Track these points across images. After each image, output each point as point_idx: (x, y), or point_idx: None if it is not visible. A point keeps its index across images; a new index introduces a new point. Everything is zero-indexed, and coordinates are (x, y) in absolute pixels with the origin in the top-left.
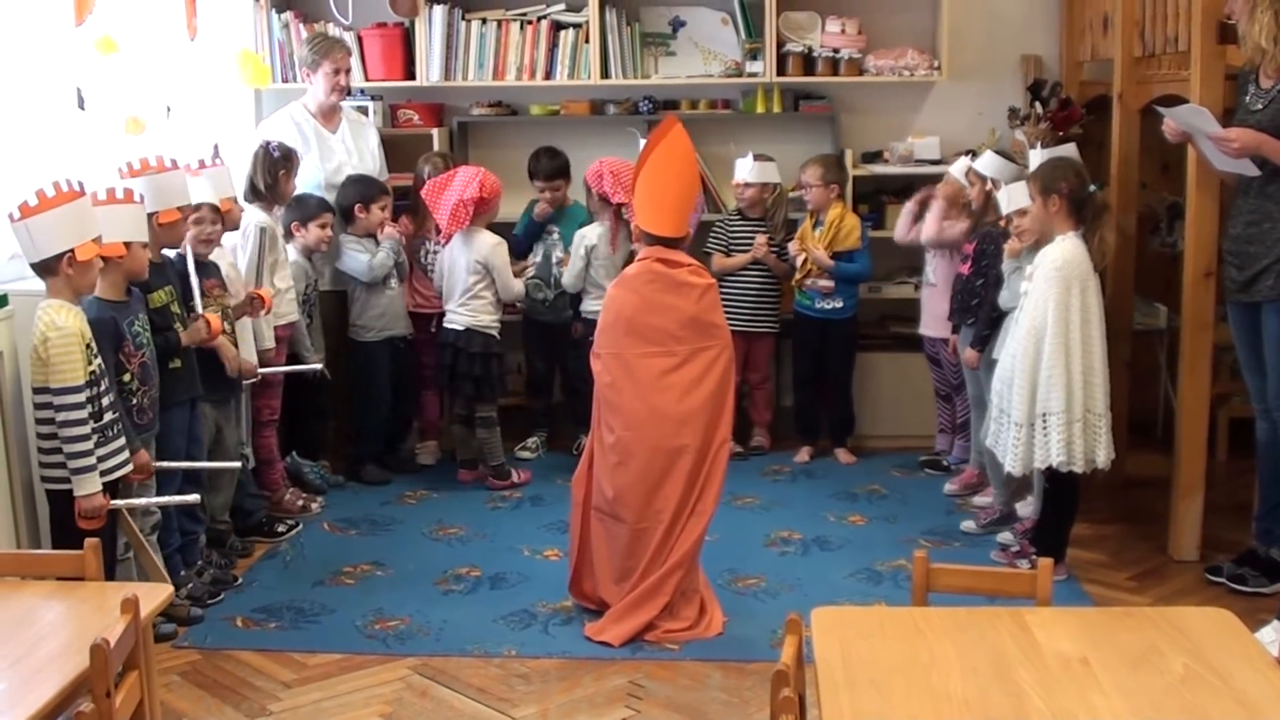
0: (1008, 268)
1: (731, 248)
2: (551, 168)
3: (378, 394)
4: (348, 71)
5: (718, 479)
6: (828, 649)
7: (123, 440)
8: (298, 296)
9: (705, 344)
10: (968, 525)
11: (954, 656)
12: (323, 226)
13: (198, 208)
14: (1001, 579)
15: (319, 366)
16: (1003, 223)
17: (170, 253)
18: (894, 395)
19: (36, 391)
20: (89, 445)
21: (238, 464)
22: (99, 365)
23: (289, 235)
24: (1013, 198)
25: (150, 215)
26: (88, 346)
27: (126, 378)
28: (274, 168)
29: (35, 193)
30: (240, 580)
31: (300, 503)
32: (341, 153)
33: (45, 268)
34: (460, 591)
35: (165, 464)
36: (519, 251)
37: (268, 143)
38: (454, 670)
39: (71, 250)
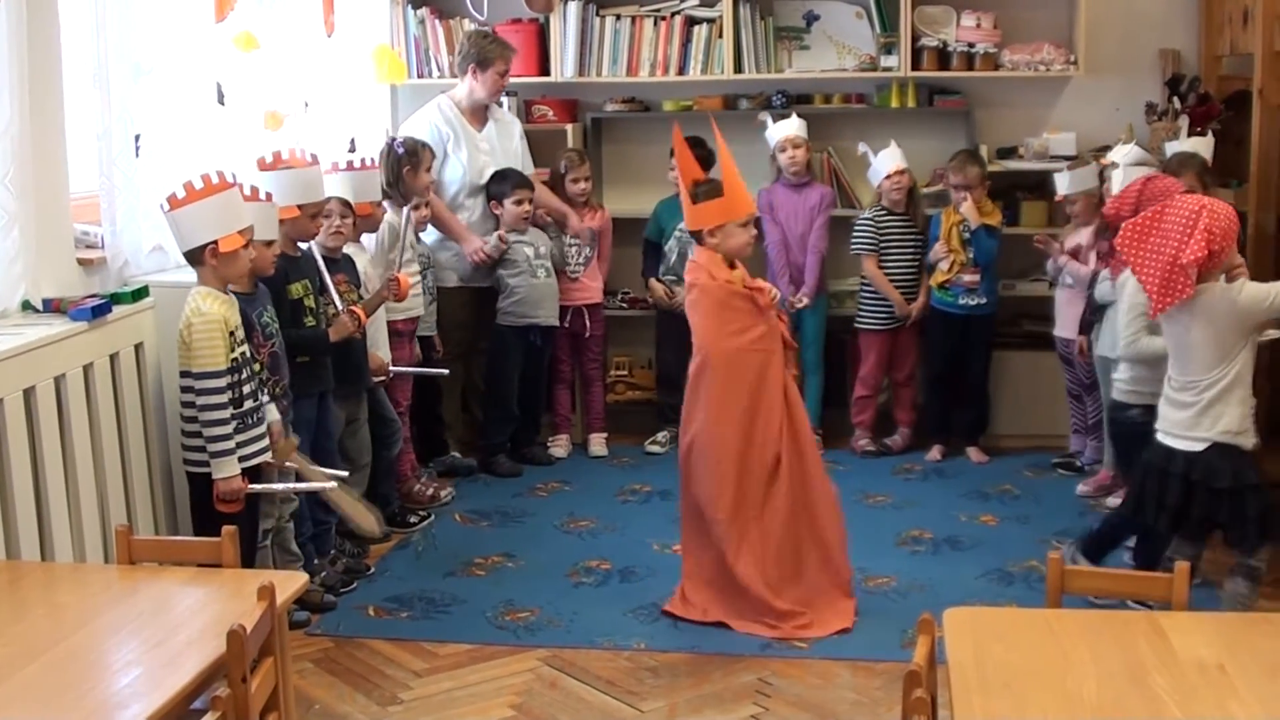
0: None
1: (883, 245)
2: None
3: (504, 385)
4: (510, 74)
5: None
6: (960, 650)
7: (262, 428)
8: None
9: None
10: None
11: (1088, 660)
12: (415, 208)
13: (325, 202)
14: (1136, 582)
15: (445, 371)
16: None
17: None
18: (1027, 394)
19: (181, 375)
20: (228, 429)
21: (344, 473)
22: (242, 353)
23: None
24: (1129, 176)
25: None
26: (231, 334)
27: (257, 367)
28: (397, 165)
29: (184, 184)
30: (372, 570)
31: (430, 493)
32: (485, 152)
33: (193, 257)
34: (590, 584)
35: (261, 487)
36: (654, 250)
37: (392, 140)
38: (583, 662)
39: (215, 241)
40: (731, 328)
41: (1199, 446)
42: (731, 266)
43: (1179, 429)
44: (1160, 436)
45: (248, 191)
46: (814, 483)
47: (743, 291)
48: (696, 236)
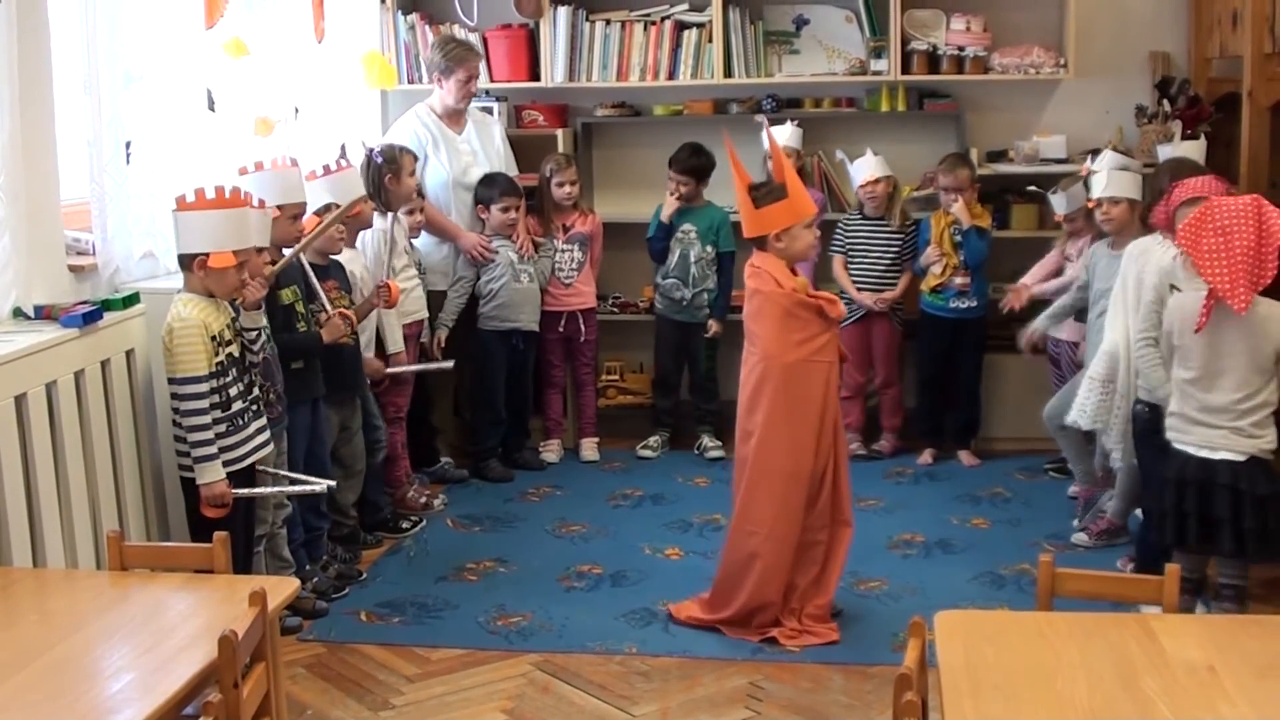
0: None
1: (850, 249)
2: (687, 164)
3: (490, 389)
4: (477, 77)
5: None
6: (951, 653)
7: (254, 429)
8: None
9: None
10: (1079, 538)
11: (1079, 663)
12: (409, 213)
13: (326, 208)
14: (1127, 584)
15: (450, 364)
16: (1089, 204)
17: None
18: (1018, 397)
19: (168, 382)
20: (209, 434)
21: (331, 483)
22: (227, 356)
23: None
24: (1111, 182)
25: None
26: (213, 338)
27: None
28: (378, 174)
29: (196, 190)
30: (364, 575)
31: (423, 499)
32: (468, 153)
33: (183, 262)
34: (582, 588)
35: (246, 491)
36: (656, 252)
37: (370, 150)
38: (575, 667)
39: (206, 254)
40: (796, 337)
41: (1241, 457)
42: (792, 273)
43: (1218, 439)
44: (1194, 450)
45: (249, 201)
46: (843, 501)
47: (810, 301)
48: (759, 242)
